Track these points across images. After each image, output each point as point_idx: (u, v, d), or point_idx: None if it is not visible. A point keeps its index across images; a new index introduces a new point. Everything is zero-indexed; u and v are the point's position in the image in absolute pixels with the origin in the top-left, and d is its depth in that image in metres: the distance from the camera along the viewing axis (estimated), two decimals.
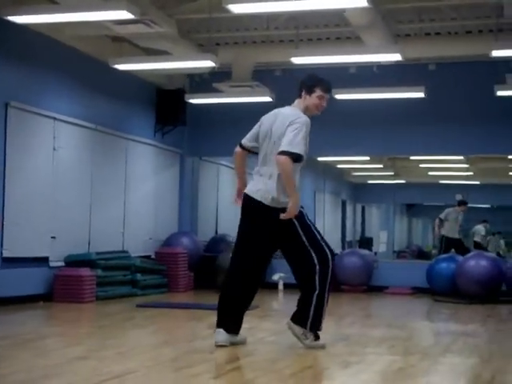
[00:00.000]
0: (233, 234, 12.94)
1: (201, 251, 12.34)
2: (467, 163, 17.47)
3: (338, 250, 15.96)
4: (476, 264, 11.06)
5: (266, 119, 5.82)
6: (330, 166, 18.78)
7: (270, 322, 8.09)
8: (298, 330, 5.73)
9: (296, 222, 5.63)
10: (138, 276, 10.59)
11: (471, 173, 18.90)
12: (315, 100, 5.81)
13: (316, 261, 5.68)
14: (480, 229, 17.67)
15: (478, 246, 16.59)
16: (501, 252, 18.79)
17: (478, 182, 19.59)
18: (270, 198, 5.59)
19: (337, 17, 9.76)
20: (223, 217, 13.91)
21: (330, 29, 10.47)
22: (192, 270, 11.85)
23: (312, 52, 9.94)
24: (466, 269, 11.06)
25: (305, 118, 5.63)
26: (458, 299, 10.62)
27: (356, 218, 22.54)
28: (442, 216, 14.11)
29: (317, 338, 5.73)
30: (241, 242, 5.81)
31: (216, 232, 13.67)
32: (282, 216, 5.48)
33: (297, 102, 5.86)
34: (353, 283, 11.87)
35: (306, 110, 5.78)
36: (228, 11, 7.99)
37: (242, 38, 11.01)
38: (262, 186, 5.63)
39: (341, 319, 8.54)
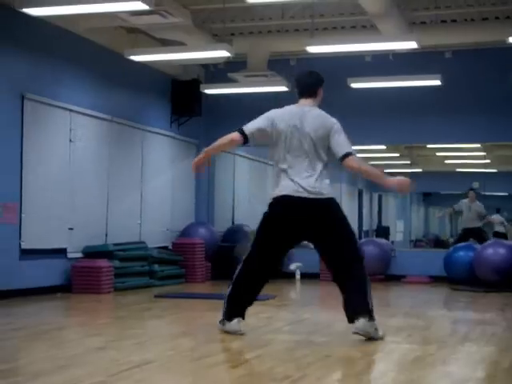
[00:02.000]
0: (249, 224, 13.06)
1: (218, 241, 12.35)
2: (484, 151, 17.35)
3: None
4: (494, 252, 11.02)
5: (282, 118, 5.71)
6: None
7: (287, 312, 8.10)
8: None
9: None
10: (156, 267, 10.62)
11: (488, 160, 18.77)
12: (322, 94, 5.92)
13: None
14: (499, 218, 17.35)
15: (500, 236, 16.21)
16: None
17: (495, 170, 19.45)
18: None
19: (352, 5, 9.71)
20: (240, 207, 13.92)
21: (345, 17, 10.42)
22: (209, 260, 11.86)
23: (327, 41, 9.89)
24: (484, 257, 11.02)
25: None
26: (476, 288, 10.59)
27: (372, 207, 22.43)
28: (455, 206, 14.27)
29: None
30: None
31: (233, 222, 13.68)
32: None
33: (311, 101, 5.79)
34: (370, 272, 11.75)
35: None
36: (242, 1, 7.98)
37: (256, 28, 10.98)
38: (317, 184, 5.62)
39: None
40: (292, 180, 5.60)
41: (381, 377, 4.56)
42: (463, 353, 5.39)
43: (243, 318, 5.82)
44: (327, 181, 5.72)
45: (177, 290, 10.03)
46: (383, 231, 20.68)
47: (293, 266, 12.02)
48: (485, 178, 17.11)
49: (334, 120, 5.72)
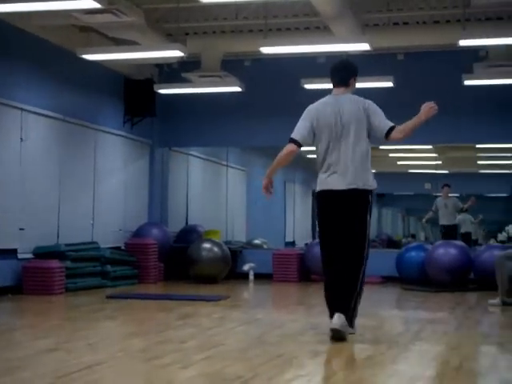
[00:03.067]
0: (203, 225, 13.03)
1: (171, 242, 12.30)
2: (436, 152, 17.59)
3: (308, 239, 16.02)
4: (445, 252, 11.15)
5: (320, 111, 5.90)
6: (300, 157, 18.80)
7: (239, 312, 8.10)
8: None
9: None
10: (108, 267, 10.53)
11: (440, 162, 19.03)
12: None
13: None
14: (466, 217, 17.32)
15: (467, 236, 16.18)
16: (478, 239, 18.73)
17: (446, 171, 19.71)
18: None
19: (306, 6, 9.75)
20: (193, 207, 13.88)
21: (299, 19, 10.46)
22: (162, 261, 11.81)
23: (281, 42, 9.91)
24: (434, 257, 11.14)
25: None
26: (427, 287, 10.70)
27: None
28: (432, 208, 14.45)
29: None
30: None
31: (186, 223, 13.63)
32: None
33: (344, 90, 6.08)
34: (322, 273, 11.87)
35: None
36: (196, 1, 7.96)
37: (210, 28, 10.97)
38: (358, 176, 5.76)
39: (310, 308, 8.60)
40: (333, 173, 5.79)
41: (332, 376, 4.59)
42: (414, 352, 5.45)
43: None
44: (369, 171, 5.85)
45: (129, 291, 9.97)
46: None
47: (246, 267, 12.04)
48: (436, 179, 17.33)
49: (368, 101, 5.96)
